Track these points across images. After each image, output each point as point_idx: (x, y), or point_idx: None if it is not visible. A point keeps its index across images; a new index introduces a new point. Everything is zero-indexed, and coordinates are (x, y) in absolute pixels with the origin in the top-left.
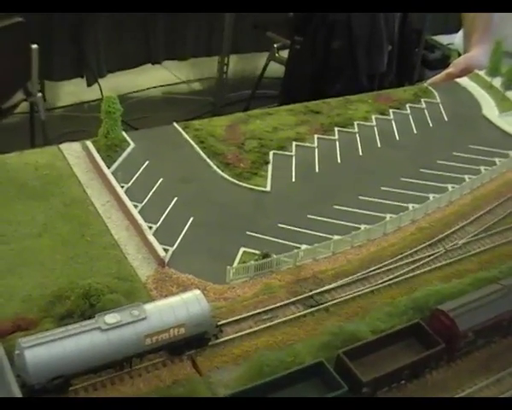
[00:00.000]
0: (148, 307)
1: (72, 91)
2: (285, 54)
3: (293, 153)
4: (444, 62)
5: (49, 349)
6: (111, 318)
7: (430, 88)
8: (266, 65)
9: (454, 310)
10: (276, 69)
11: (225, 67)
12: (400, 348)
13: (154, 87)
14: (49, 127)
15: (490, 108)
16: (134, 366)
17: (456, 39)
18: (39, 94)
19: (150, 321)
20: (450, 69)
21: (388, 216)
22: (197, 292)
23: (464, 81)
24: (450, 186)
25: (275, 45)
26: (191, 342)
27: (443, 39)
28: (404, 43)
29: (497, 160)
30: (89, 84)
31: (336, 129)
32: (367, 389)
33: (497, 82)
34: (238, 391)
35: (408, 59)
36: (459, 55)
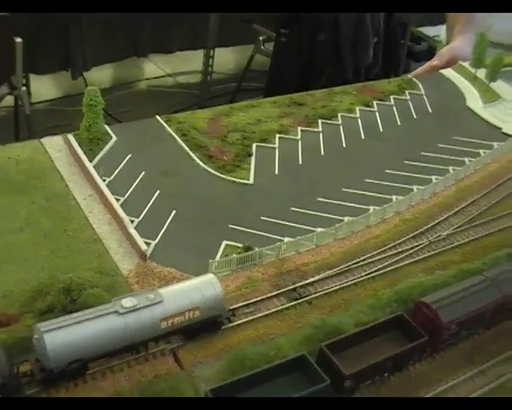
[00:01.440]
0: (164, 290)
1: (58, 85)
2: (271, 46)
3: (277, 145)
4: (430, 54)
5: (67, 333)
6: (128, 301)
7: (414, 79)
8: (252, 57)
9: (437, 302)
10: (262, 62)
11: (211, 60)
12: (383, 341)
13: (140, 80)
14: (34, 121)
15: (474, 100)
16: (150, 350)
17: (442, 31)
18: (24, 88)
19: (166, 304)
20: (434, 61)
21: (372, 208)
22: (211, 276)
23: (448, 72)
24: (434, 178)
25: (260, 38)
26: (205, 326)
27: (429, 31)
28: (389, 35)
29: (481, 151)
30: (74, 78)
31: (320, 121)
32: (349, 382)
33: (481, 73)
34: (220, 386)
35: (394, 51)
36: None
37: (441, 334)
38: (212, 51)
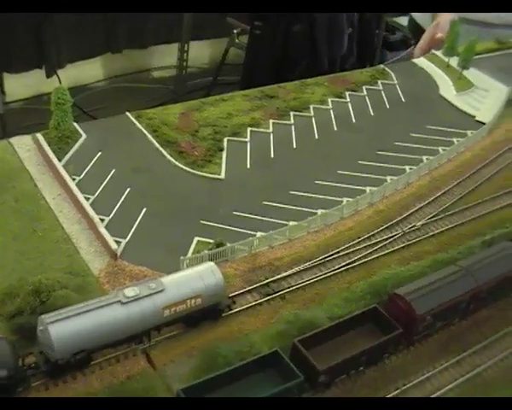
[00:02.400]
0: (165, 279)
1: (32, 84)
2: (246, 39)
3: (248, 139)
4: (405, 44)
5: (72, 324)
6: (130, 291)
7: (387, 69)
8: (227, 51)
9: (411, 294)
10: (237, 55)
11: (185, 55)
12: (357, 334)
13: (115, 76)
14: (9, 121)
15: (447, 88)
16: (152, 339)
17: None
18: None
19: (168, 293)
20: (437, 34)
21: (345, 200)
22: (211, 264)
23: (421, 61)
24: (407, 168)
25: (234, 31)
26: (206, 314)
27: (403, 21)
28: (364, 25)
29: (454, 139)
30: (48, 76)
31: (292, 113)
32: (324, 377)
33: (454, 61)
34: (191, 385)
35: (369, 41)
36: (418, 29)
37: (416, 326)
38: (186, 46)
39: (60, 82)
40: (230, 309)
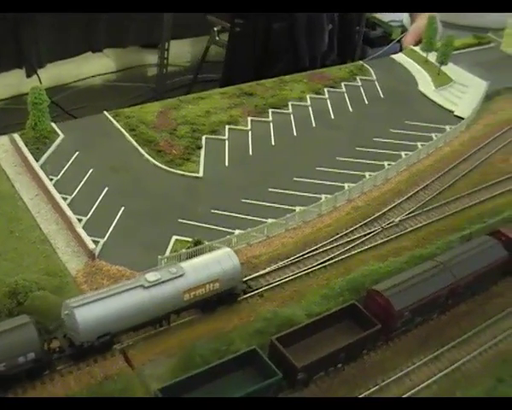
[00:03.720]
0: (185, 264)
1: (13, 84)
2: (226, 37)
3: (226, 137)
4: (386, 40)
5: (96, 308)
6: (151, 276)
7: (366, 65)
8: (207, 49)
9: (389, 290)
10: (218, 52)
11: (166, 53)
12: (336, 331)
13: (96, 76)
14: None
15: (426, 84)
16: (172, 323)
17: (403, 16)
18: None
19: (188, 277)
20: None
21: (323, 197)
22: (228, 249)
23: (400, 57)
24: (386, 164)
25: (215, 29)
26: (223, 298)
27: (384, 17)
28: (344, 22)
29: (433, 135)
30: (28, 75)
31: (270, 110)
32: (302, 374)
33: (432, 57)
34: (169, 384)
35: (349, 38)
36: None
37: (394, 322)
38: (166, 44)
39: (40, 82)
40: (246, 293)
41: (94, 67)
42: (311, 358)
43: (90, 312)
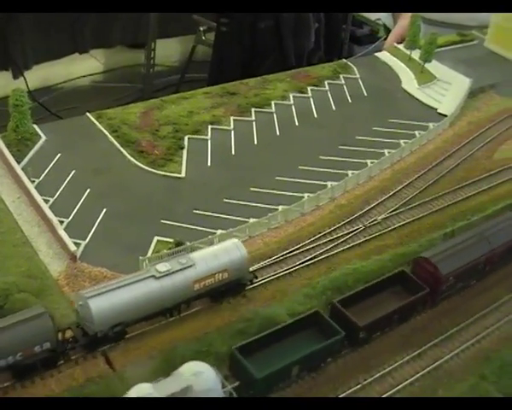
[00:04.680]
0: (194, 254)
1: None
2: (212, 36)
3: (209, 136)
4: (373, 38)
5: (110, 298)
6: (162, 266)
7: (349, 63)
8: (193, 48)
9: (436, 256)
10: (205, 52)
11: (152, 53)
12: (388, 295)
13: (83, 76)
14: None
15: (409, 81)
16: (182, 313)
17: (383, 15)
18: None
19: (198, 267)
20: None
21: (306, 195)
22: (235, 240)
23: (384, 55)
24: (369, 162)
25: (201, 28)
26: (231, 288)
27: (370, 15)
28: (331, 20)
29: (416, 132)
30: (15, 77)
31: (253, 110)
32: (363, 333)
33: (416, 54)
34: (245, 343)
35: (336, 36)
36: (386, 28)
37: (441, 286)
38: (153, 44)
39: (26, 83)
40: (252, 283)
41: (81, 68)
42: (371, 318)
43: (104, 302)
